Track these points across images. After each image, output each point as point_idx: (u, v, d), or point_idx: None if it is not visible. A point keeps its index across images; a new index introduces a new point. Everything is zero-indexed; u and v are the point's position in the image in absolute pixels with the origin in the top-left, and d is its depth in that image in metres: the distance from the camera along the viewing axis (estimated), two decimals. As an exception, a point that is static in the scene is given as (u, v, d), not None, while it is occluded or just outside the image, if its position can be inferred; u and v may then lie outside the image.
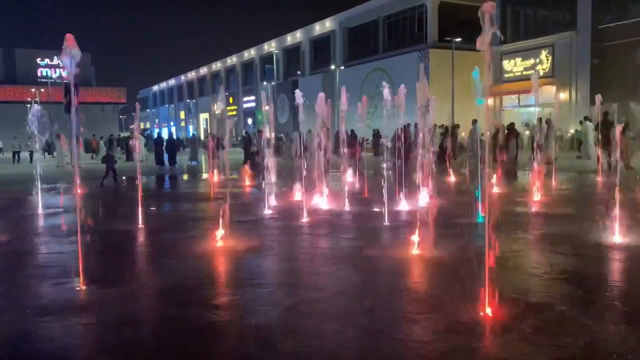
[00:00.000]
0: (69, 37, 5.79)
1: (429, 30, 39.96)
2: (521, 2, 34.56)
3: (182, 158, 28.13)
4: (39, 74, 68.86)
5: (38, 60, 69.94)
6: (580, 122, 27.16)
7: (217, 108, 72.33)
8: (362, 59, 45.25)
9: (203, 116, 77.78)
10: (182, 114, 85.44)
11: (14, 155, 33.66)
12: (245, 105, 66.10)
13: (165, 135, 38.60)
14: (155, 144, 23.44)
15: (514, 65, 34.48)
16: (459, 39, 35.24)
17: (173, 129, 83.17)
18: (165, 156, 22.79)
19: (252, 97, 63.96)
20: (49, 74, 69.22)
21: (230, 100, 69.02)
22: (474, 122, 24.33)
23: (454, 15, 39.46)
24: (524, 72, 33.99)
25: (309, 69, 53.95)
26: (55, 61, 70.26)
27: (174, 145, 21.57)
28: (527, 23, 34.82)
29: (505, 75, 34.77)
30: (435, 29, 39.93)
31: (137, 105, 11.60)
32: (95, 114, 59.02)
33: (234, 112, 67.79)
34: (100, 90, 71.72)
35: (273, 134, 14.34)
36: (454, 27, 37.58)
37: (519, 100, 35.36)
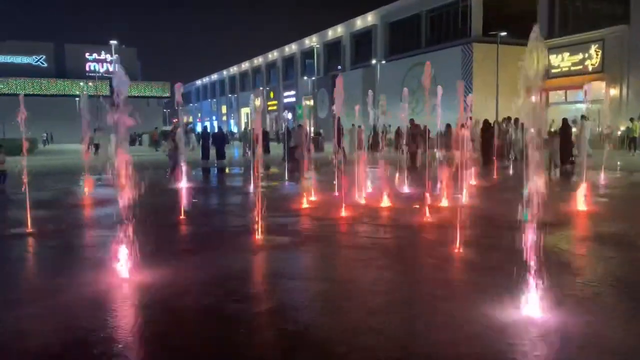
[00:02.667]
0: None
1: (473, 24, 39.18)
2: (570, -6, 33.53)
3: (229, 152, 28.50)
4: (87, 69, 71.11)
5: (87, 55, 72.20)
6: (631, 120, 26.17)
7: (258, 103, 73.25)
8: (404, 53, 44.76)
9: (244, 111, 78.64)
10: (224, 109, 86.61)
11: (96, 147, 33.20)
12: (285, 100, 66.45)
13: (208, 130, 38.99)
14: (202, 138, 23.61)
15: (561, 60, 33.43)
16: (504, 33, 34.42)
17: (215, 123, 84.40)
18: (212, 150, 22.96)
19: (293, 92, 64.26)
20: (97, 68, 71.41)
21: (271, 94, 69.56)
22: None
23: (499, 9, 38.56)
24: (572, 68, 32.99)
25: (349, 63, 53.75)
26: (103, 55, 72.48)
27: (222, 139, 21.60)
28: (576, 16, 33.67)
29: (552, 71, 33.73)
30: (479, 23, 39.12)
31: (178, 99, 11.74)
32: (141, 107, 60.56)
33: (275, 107, 68.27)
34: (145, 84, 73.46)
35: (312, 129, 14.29)
36: (498, 21, 36.72)
37: (565, 96, 34.31)
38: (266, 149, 28.43)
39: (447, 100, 13.18)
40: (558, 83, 33.23)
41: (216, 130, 25.04)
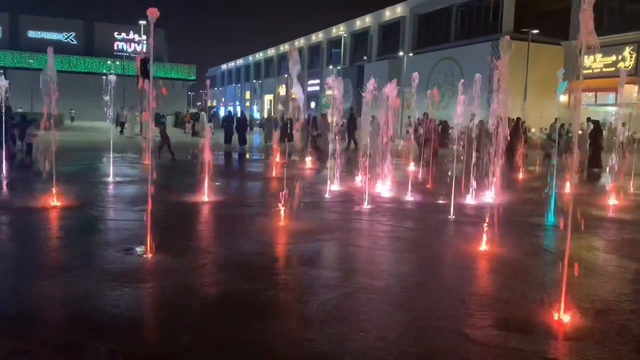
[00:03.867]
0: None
1: (505, 20, 38.46)
2: (606, -7, 32.65)
3: (249, 138, 28.62)
4: (115, 47, 71.69)
5: (115, 34, 72.75)
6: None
7: (282, 90, 73.31)
8: (432, 46, 44.22)
9: (267, 97, 78.66)
10: (248, 94, 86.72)
11: (122, 126, 33.55)
12: (309, 89, 66.25)
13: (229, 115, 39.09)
14: (224, 122, 23.69)
15: (593, 61, 32.66)
16: (536, 31, 33.77)
17: (238, 108, 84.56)
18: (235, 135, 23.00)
19: (317, 81, 63.99)
20: (125, 48, 71.94)
21: (295, 82, 69.43)
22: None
23: (532, 6, 37.81)
24: (604, 69, 32.24)
25: (375, 54, 53.29)
26: (131, 35, 72.97)
27: (244, 125, 21.55)
28: (610, 17, 32.84)
29: (583, 72, 32.97)
30: (511, 19, 38.38)
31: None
32: (166, 89, 60.91)
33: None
34: (171, 66, 73.83)
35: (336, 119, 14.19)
36: (531, 19, 36.05)
37: (595, 98, 33.60)
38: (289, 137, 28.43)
39: (473, 95, 12.93)
40: (588, 84, 32.50)
41: (239, 115, 25.05)
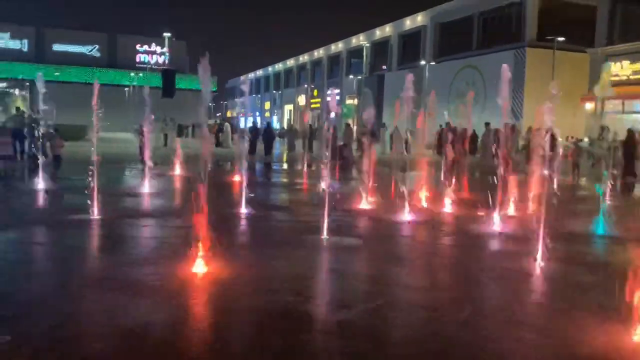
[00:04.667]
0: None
1: (528, 28, 38.04)
2: (633, 0, 32.07)
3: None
4: (137, 60, 72.63)
5: (137, 46, 73.74)
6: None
7: (301, 100, 73.59)
8: (453, 55, 43.92)
9: (287, 107, 78.94)
10: (267, 105, 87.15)
11: (165, 138, 33.01)
12: (329, 99, 66.28)
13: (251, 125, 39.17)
14: (251, 133, 23.69)
15: (620, 69, 32.10)
16: (562, 39, 33.34)
17: (258, 119, 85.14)
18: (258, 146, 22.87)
19: (337, 91, 64.00)
20: (147, 60, 72.88)
21: (315, 93, 69.55)
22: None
23: (556, 14, 37.31)
24: (631, 77, 31.67)
25: (396, 64, 53.15)
26: (153, 47, 73.90)
27: (271, 135, 21.54)
28: (638, 24, 32.27)
29: (610, 79, 32.41)
30: (534, 27, 37.96)
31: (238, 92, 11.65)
32: (187, 100, 61.48)
33: (318, 105, 68.26)
34: (193, 77, 74.53)
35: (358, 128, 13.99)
36: (554, 27, 35.57)
37: (622, 106, 32.97)
38: (310, 146, 28.37)
39: (496, 105, 12.68)
40: (615, 92, 31.92)
41: (266, 127, 25.06)
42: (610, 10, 32.62)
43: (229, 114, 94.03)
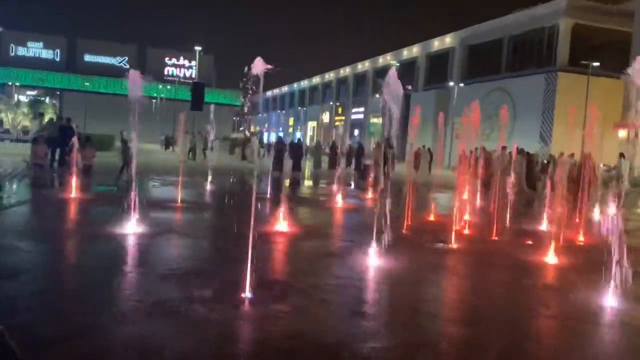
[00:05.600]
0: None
1: (559, 52, 37.51)
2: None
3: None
4: (165, 72, 73.69)
5: (166, 59, 74.88)
6: None
7: (325, 117, 73.63)
8: (482, 77, 43.48)
9: (311, 124, 79.02)
10: (291, 121, 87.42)
11: (189, 152, 32.06)
12: (353, 117, 66.21)
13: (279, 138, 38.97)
14: (275, 149, 23.27)
15: (655, 95, 31.32)
16: (597, 64, 32.75)
17: (281, 134, 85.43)
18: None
19: (362, 109, 63.93)
20: (174, 73, 73.88)
21: (339, 110, 69.55)
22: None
23: (588, 39, 36.78)
24: (667, 104, 30.85)
25: (422, 83, 52.90)
26: (181, 61, 74.99)
27: (299, 151, 20.90)
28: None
29: (644, 106, 31.70)
30: (566, 51, 37.41)
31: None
32: (215, 113, 62.02)
33: (342, 122, 68.26)
34: (219, 91, 75.28)
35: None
36: (586, 51, 35.00)
37: (657, 134, 32.11)
38: (334, 164, 28.05)
39: (525, 128, 12.39)
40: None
41: (295, 142, 24.56)
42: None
43: (252, 129, 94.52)
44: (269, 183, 14.61)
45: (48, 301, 5.16)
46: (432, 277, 7.19)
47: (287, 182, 17.89)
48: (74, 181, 11.89)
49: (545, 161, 28.02)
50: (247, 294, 5.42)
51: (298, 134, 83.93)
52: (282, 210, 9.51)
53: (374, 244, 7.38)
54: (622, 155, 22.36)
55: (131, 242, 8.01)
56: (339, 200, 13.38)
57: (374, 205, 11.48)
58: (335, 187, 14.29)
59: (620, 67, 26.60)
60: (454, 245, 9.07)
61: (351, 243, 8.89)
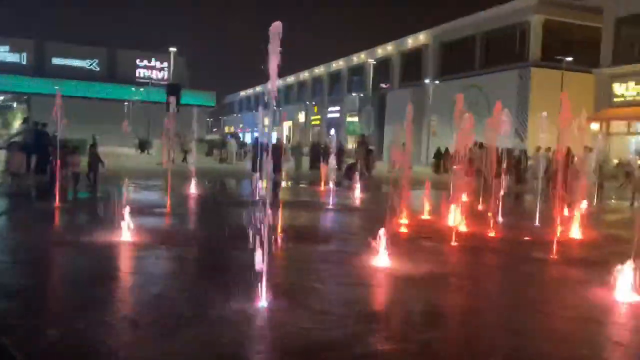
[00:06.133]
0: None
1: (532, 48, 38.03)
2: (638, 22, 32.03)
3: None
4: (137, 74, 72.50)
5: (137, 61, 73.66)
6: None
7: (301, 117, 73.37)
8: (456, 74, 43.80)
9: (287, 124, 78.63)
10: (266, 121, 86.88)
11: (185, 154, 30.81)
12: (329, 116, 66.16)
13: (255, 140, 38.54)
14: (254, 149, 22.78)
15: (625, 89, 32.00)
16: (570, 59, 33.33)
17: (256, 134, 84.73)
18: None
19: (337, 108, 63.90)
20: (147, 75, 72.76)
21: (315, 109, 69.40)
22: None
23: (560, 35, 37.36)
24: (637, 97, 31.54)
25: (397, 82, 53.10)
26: (153, 63, 73.83)
27: (279, 152, 20.25)
28: (643, 44, 32.22)
29: (615, 100, 32.37)
30: (538, 47, 37.96)
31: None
32: (187, 115, 61.16)
33: (318, 122, 68.15)
34: (192, 92, 74.39)
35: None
36: (559, 47, 35.55)
37: (628, 127, 32.86)
38: (317, 164, 27.88)
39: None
40: (621, 113, 31.82)
41: (274, 142, 23.91)
42: (615, 32, 32.60)
43: (227, 130, 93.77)
44: (258, 187, 14.24)
45: None
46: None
47: (273, 185, 17.63)
48: (57, 190, 11.48)
49: (519, 156, 28.35)
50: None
51: (275, 135, 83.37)
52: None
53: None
54: (587, 148, 22.70)
55: (115, 253, 7.75)
56: (335, 202, 13.23)
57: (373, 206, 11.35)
58: (324, 188, 14.16)
59: (592, 62, 27.24)
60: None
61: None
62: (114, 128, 53.74)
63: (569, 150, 18.42)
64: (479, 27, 42.39)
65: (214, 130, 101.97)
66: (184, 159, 26.89)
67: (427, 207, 11.97)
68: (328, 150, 21.38)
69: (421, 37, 49.68)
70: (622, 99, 32.01)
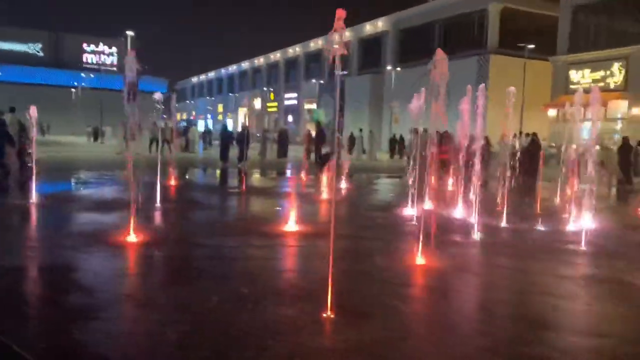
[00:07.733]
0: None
1: (490, 35, 38.54)
2: (593, 10, 32.87)
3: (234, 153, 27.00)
4: (84, 60, 69.47)
5: (84, 45, 70.55)
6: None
7: (257, 104, 72.24)
8: (415, 61, 43.93)
9: (242, 110, 77.30)
10: (220, 107, 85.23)
11: (150, 143, 28.40)
12: (286, 102, 65.42)
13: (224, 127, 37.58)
14: (221, 137, 22.03)
15: (581, 77, 32.87)
16: (532, 46, 33.89)
17: (210, 122, 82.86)
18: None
19: (294, 95, 63.22)
20: (94, 60, 69.81)
21: (272, 96, 68.45)
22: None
23: (517, 22, 37.99)
24: (592, 85, 32.43)
25: (356, 68, 52.89)
26: (101, 47, 70.90)
27: (245, 139, 19.61)
28: (598, 33, 33.11)
29: (571, 87, 33.18)
30: (495, 34, 38.52)
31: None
32: (144, 102, 59.01)
33: (275, 109, 67.29)
34: (142, 79, 72.01)
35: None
36: (517, 35, 36.15)
37: (584, 113, 33.77)
38: (284, 152, 27.33)
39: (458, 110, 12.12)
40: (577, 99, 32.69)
41: (240, 130, 23.32)
42: (571, 20, 33.35)
43: (178, 117, 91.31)
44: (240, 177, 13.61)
45: None
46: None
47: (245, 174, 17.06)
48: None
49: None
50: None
51: (229, 121, 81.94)
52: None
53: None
54: (527, 134, 23.22)
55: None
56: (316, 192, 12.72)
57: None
58: (298, 178, 13.65)
59: (549, 51, 27.57)
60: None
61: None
62: (61, 116, 51.42)
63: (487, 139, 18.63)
64: (437, 14, 42.61)
65: (164, 116, 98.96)
66: (161, 149, 25.47)
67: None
68: (323, 135, 20.83)
69: (380, 24, 49.57)
70: (578, 86, 32.81)
